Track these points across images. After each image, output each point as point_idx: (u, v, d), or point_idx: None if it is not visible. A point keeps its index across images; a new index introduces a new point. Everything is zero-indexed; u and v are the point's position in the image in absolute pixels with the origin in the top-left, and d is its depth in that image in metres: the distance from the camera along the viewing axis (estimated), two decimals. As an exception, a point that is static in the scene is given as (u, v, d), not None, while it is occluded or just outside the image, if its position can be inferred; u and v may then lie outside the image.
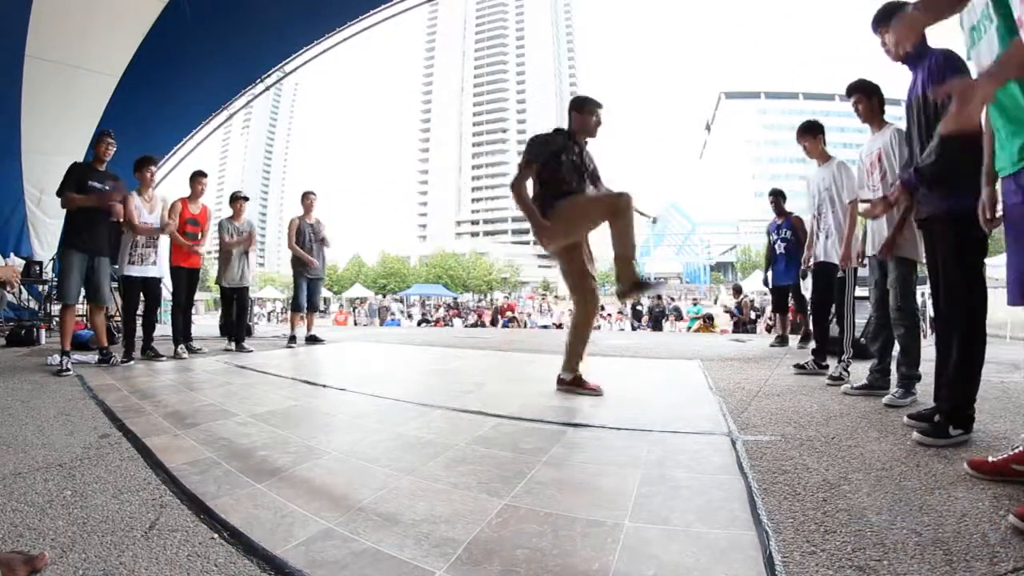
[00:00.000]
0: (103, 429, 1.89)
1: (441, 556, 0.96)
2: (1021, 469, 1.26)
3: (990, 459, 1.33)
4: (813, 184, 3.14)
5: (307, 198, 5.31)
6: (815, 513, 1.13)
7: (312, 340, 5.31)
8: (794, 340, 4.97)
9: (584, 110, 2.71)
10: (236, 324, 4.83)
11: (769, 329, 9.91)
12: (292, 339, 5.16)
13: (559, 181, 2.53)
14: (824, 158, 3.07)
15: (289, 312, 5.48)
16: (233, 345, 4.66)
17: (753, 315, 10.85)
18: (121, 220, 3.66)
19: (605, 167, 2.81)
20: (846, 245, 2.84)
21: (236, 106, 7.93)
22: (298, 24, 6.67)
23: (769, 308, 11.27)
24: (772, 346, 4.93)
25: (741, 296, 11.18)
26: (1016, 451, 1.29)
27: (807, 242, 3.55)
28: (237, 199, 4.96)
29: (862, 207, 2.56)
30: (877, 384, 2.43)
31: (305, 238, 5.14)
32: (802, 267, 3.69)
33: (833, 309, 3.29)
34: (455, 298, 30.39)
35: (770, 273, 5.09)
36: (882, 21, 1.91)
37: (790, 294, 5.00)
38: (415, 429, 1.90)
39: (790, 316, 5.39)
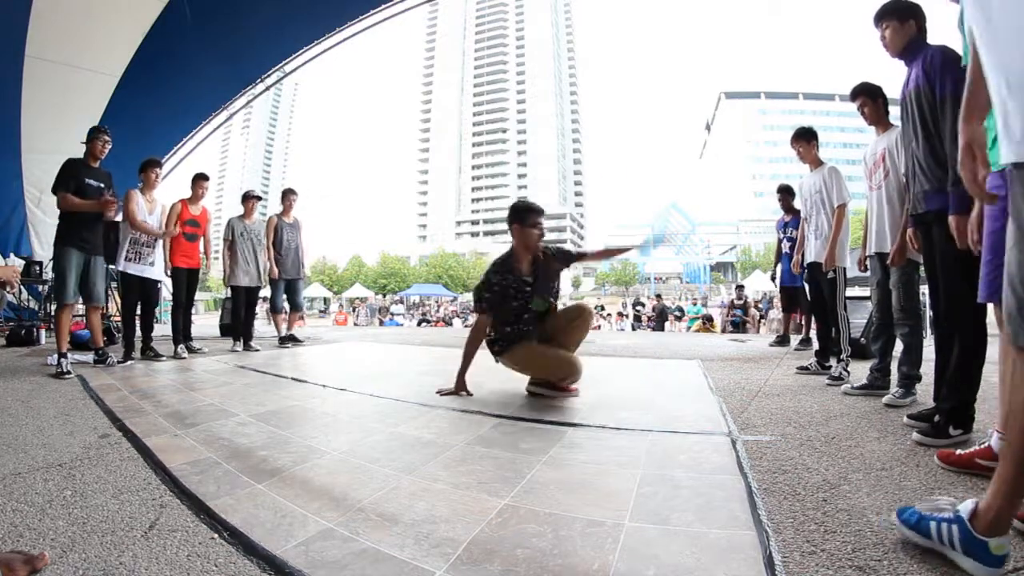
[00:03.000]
0: (103, 429, 1.89)
1: (441, 556, 0.96)
2: (985, 464, 1.30)
3: (958, 452, 1.39)
4: (805, 188, 3.22)
5: (287, 197, 5.26)
6: (815, 513, 1.13)
7: (291, 340, 5.23)
8: (794, 341, 4.96)
9: (526, 223, 2.49)
10: (245, 323, 4.84)
11: (746, 330, 9.95)
12: (283, 339, 5.11)
13: (505, 317, 2.53)
14: (816, 163, 3.15)
15: (269, 314, 5.38)
16: (239, 346, 4.65)
17: (758, 315, 10.84)
18: (118, 219, 3.65)
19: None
20: (830, 248, 2.93)
21: (236, 106, 7.92)
22: (298, 24, 6.67)
23: (772, 310, 11.28)
24: (772, 345, 4.93)
25: (744, 296, 11.12)
26: (982, 446, 1.33)
27: (797, 245, 3.58)
28: (249, 198, 4.96)
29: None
30: (877, 384, 2.43)
31: (282, 237, 5.08)
32: (793, 269, 3.73)
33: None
34: (455, 298, 30.41)
35: (778, 270, 5.09)
36: (884, 17, 1.93)
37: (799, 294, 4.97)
38: (415, 429, 1.90)
39: (793, 317, 5.39)
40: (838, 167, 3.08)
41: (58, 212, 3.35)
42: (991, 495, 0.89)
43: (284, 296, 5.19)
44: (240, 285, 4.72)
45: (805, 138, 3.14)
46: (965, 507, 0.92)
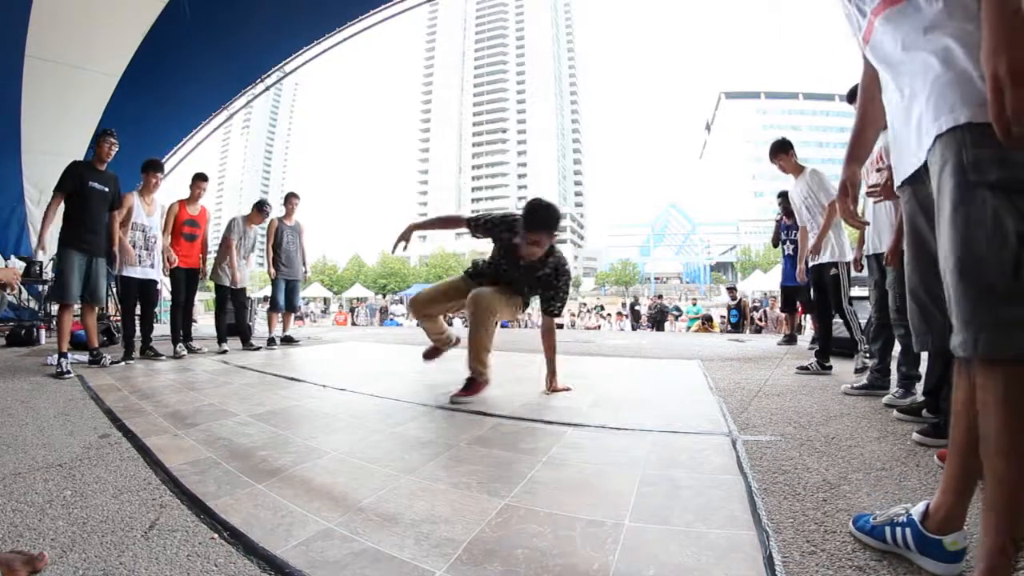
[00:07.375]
0: (103, 429, 1.89)
1: (441, 556, 0.96)
2: None
3: None
4: (795, 197, 3.25)
5: (289, 201, 5.30)
6: (815, 513, 1.13)
7: (288, 341, 5.25)
8: (802, 341, 5.00)
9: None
10: (238, 323, 4.86)
11: (759, 330, 10.01)
12: (271, 340, 5.04)
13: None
14: (798, 171, 3.20)
15: (267, 313, 5.35)
16: (226, 346, 4.63)
17: (757, 316, 10.86)
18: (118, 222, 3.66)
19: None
20: (817, 239, 2.97)
21: (236, 106, 7.93)
22: (298, 24, 6.67)
23: (768, 310, 11.31)
24: (780, 344, 4.96)
25: (740, 297, 11.12)
26: None
27: (800, 254, 3.57)
28: (262, 208, 5.02)
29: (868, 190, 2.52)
30: (877, 384, 2.44)
31: (283, 240, 5.12)
32: (798, 278, 3.74)
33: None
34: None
35: (778, 269, 5.19)
36: None
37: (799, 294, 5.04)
38: (415, 429, 1.90)
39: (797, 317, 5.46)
40: (818, 169, 3.14)
41: (58, 212, 3.35)
42: (940, 494, 0.92)
43: (283, 296, 5.21)
44: (224, 284, 4.74)
45: (782, 150, 3.18)
46: (917, 509, 0.94)
